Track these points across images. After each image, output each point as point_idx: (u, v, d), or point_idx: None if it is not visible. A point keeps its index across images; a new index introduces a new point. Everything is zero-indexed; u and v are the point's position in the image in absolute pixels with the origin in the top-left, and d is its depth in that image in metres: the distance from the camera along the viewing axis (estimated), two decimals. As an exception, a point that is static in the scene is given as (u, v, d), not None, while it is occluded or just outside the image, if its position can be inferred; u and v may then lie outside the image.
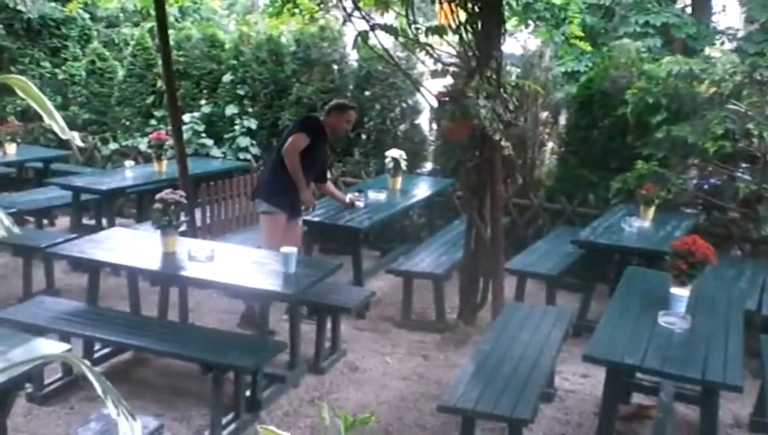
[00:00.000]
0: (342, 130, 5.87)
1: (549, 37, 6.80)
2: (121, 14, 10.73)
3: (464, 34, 5.27)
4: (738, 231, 6.57)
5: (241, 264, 4.67)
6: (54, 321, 4.48)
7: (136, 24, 10.54)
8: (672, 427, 4.09)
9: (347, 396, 4.72)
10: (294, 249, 4.53)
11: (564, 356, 5.04)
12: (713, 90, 6.13)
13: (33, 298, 5.22)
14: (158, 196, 4.68)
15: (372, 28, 5.42)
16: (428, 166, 8.33)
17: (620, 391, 4.15)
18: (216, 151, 8.56)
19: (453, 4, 5.24)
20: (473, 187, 5.70)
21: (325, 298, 5.08)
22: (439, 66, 5.46)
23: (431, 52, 5.40)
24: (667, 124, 6.19)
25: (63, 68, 9.75)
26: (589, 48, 7.55)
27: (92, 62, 9.46)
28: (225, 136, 8.58)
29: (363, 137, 8.27)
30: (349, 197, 6.39)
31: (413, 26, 5.37)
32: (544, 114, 7.90)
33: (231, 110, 8.58)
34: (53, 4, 9.61)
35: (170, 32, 7.35)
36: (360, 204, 6.36)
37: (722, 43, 11.47)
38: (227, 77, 8.73)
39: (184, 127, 7.56)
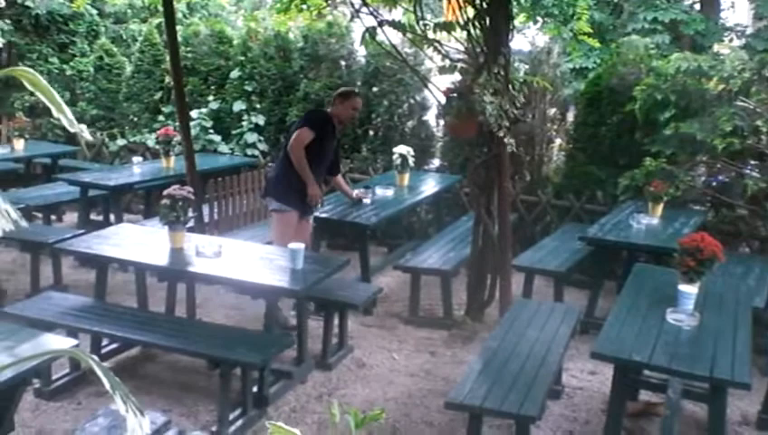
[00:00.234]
0: (349, 117, 5.81)
1: (557, 33, 6.77)
2: (129, 10, 10.74)
3: (472, 31, 5.27)
4: (746, 228, 6.55)
5: (248, 260, 4.67)
6: (62, 316, 4.49)
7: (144, 20, 10.55)
8: (680, 424, 4.08)
9: (354, 392, 4.72)
10: (302, 245, 4.53)
11: (572, 353, 5.04)
12: (721, 86, 6.11)
13: (41, 294, 5.25)
14: (165, 192, 4.69)
15: (380, 24, 5.42)
16: (436, 162, 8.32)
17: (628, 389, 4.14)
18: (223, 147, 8.58)
19: (461, 1, 5.23)
20: (480, 183, 5.69)
21: (332, 294, 5.08)
22: (447, 62, 5.46)
23: (439, 48, 5.40)
24: (675, 121, 6.17)
25: (71, 64, 9.77)
26: (597, 45, 7.52)
27: (100, 58, 9.48)
28: (233, 132, 8.61)
29: (371, 133, 8.28)
30: (356, 193, 6.40)
31: (421, 22, 5.36)
32: (552, 111, 7.89)
33: (239, 106, 8.60)
34: (61, 0, 9.62)
35: (178, 28, 7.37)
36: (367, 201, 6.37)
37: (730, 40, 11.44)
38: (235, 73, 8.74)
39: (192, 123, 7.57)
